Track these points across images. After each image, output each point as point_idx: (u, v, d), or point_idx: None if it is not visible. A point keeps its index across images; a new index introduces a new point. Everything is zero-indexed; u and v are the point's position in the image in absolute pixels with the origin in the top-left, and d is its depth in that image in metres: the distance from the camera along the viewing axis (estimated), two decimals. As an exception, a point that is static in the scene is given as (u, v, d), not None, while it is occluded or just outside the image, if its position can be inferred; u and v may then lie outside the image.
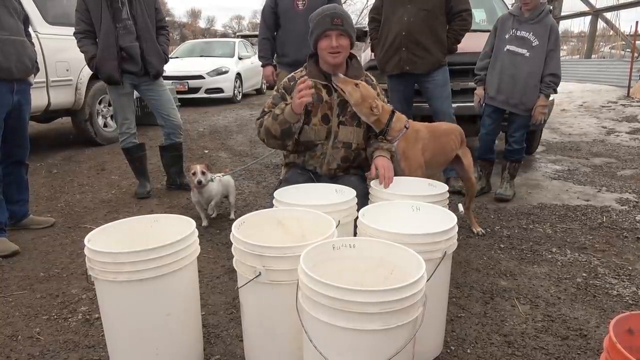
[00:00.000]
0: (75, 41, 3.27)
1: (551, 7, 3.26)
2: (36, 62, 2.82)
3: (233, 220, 2.70)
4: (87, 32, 3.22)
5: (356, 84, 2.14)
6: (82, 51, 3.26)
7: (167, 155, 3.68)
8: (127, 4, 3.22)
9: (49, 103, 4.64)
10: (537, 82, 3.15)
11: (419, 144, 2.30)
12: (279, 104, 2.18)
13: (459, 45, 3.32)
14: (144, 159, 3.65)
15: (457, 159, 2.60)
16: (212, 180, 2.92)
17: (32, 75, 2.84)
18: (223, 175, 3.08)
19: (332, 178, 2.26)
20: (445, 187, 2.04)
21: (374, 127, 2.24)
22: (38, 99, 4.41)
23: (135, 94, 3.55)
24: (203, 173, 2.83)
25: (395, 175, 2.23)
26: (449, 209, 1.87)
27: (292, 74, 2.30)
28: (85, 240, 1.46)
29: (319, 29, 2.13)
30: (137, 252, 1.38)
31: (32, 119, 4.81)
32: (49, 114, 4.94)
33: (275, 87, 2.30)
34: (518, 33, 3.16)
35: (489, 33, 3.44)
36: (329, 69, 2.20)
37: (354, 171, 2.35)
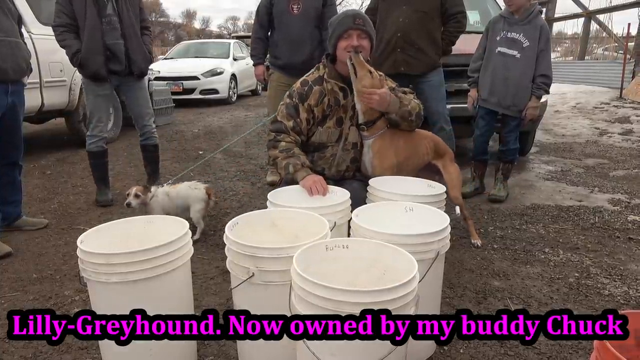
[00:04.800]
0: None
1: (542, 9, 3.27)
2: (29, 62, 2.81)
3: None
4: (69, 25, 3.08)
5: (370, 71, 2.12)
6: (63, 45, 3.11)
7: (144, 155, 3.68)
8: (112, 0, 3.13)
9: (43, 104, 4.61)
10: (529, 83, 3.17)
11: (393, 145, 2.29)
12: (295, 157, 2.10)
13: (453, 47, 3.34)
14: (106, 166, 3.55)
15: (437, 171, 2.50)
16: (154, 197, 2.69)
17: (26, 76, 2.83)
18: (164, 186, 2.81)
19: (338, 181, 2.26)
20: (443, 189, 2.05)
21: (362, 116, 2.22)
22: (32, 100, 4.37)
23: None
24: (137, 196, 2.62)
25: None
26: (445, 210, 1.88)
27: (305, 77, 2.25)
28: (78, 242, 1.46)
29: (340, 28, 2.11)
30: (130, 253, 1.38)
31: (25, 120, 4.76)
32: (42, 114, 4.91)
33: (288, 94, 2.22)
34: (509, 35, 3.18)
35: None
36: (347, 71, 2.15)
37: (359, 176, 2.36)
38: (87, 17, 3.06)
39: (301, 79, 2.25)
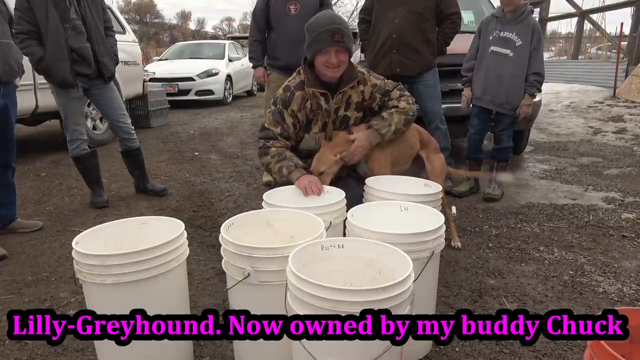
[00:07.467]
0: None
1: (532, 8, 3.29)
2: (22, 64, 2.80)
3: None
4: (31, 32, 2.93)
5: (331, 142, 2.18)
6: (26, 53, 2.95)
7: (126, 161, 3.60)
8: (74, 3, 3.00)
9: (37, 106, 4.59)
10: (522, 81, 3.19)
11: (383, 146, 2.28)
12: (288, 160, 2.10)
13: (447, 47, 3.35)
14: (97, 166, 3.46)
15: (422, 162, 2.48)
16: None
17: (18, 78, 2.81)
18: None
19: (332, 181, 2.26)
20: (439, 188, 2.06)
21: None
22: (26, 102, 4.36)
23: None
24: None
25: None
26: (440, 209, 1.89)
27: (287, 82, 2.23)
28: (73, 243, 1.45)
29: (318, 45, 2.04)
30: (125, 254, 1.38)
31: (20, 122, 4.76)
32: (37, 116, 4.89)
33: (273, 101, 2.21)
34: (501, 34, 3.20)
35: (476, 35, 3.48)
36: (327, 77, 2.15)
37: (354, 174, 2.36)
38: (49, 22, 2.93)
39: (283, 85, 2.23)
